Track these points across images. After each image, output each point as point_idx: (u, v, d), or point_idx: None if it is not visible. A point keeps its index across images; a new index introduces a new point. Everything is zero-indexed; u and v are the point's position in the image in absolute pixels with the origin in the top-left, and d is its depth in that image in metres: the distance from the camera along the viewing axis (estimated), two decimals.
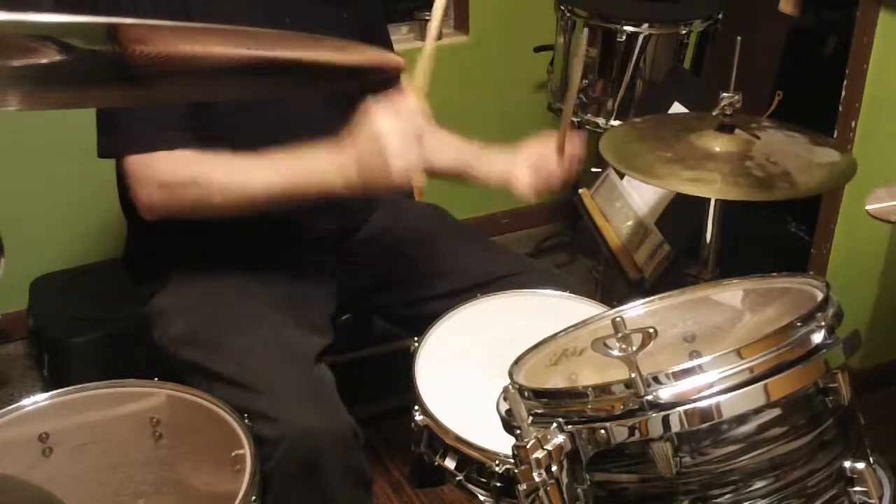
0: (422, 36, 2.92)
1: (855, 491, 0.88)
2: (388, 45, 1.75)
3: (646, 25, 2.32)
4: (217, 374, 1.43)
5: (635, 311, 1.13)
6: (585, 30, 2.33)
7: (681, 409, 0.83)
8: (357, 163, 1.37)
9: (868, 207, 1.28)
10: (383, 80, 1.41)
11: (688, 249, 1.86)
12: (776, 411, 0.86)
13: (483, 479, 1.25)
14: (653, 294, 1.13)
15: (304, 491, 1.37)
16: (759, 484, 0.86)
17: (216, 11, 1.44)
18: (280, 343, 1.46)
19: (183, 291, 1.56)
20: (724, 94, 1.45)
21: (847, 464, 0.89)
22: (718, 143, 1.45)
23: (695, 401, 0.83)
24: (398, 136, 1.35)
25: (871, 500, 0.88)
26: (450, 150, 1.69)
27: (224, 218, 1.43)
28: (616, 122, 2.39)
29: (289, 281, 1.59)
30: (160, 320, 1.55)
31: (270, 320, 1.49)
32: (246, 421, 1.29)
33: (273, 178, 1.41)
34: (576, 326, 1.11)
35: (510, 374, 1.01)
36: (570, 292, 1.58)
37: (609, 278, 2.41)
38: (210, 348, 1.47)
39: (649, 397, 0.84)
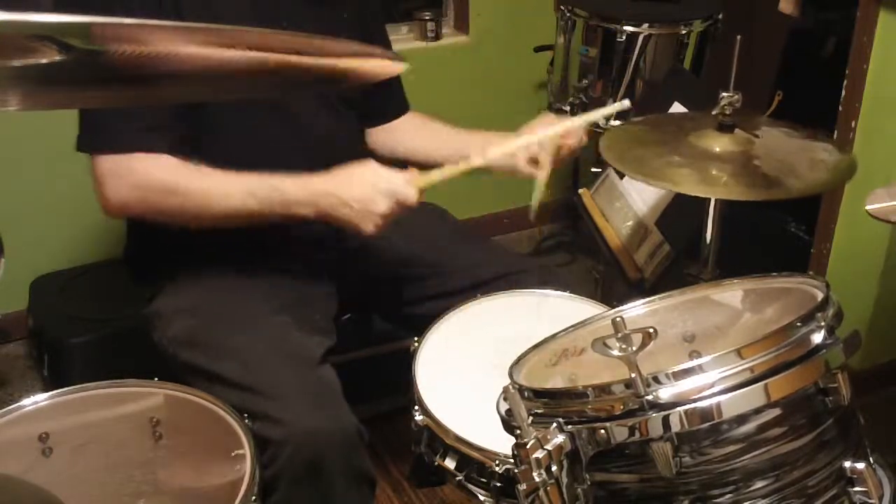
0: (422, 36, 2.91)
1: (855, 491, 0.88)
2: (385, 45, 1.75)
3: (646, 25, 2.32)
4: (219, 376, 1.43)
5: (635, 311, 1.13)
6: None
7: (681, 409, 0.83)
8: (335, 204, 1.40)
9: (868, 207, 1.28)
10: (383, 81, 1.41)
11: (688, 249, 1.85)
12: (776, 411, 0.86)
13: (483, 479, 1.26)
14: (653, 294, 1.13)
15: (309, 492, 1.36)
16: (759, 484, 0.86)
17: (210, 14, 1.44)
18: (282, 344, 1.46)
19: (182, 293, 1.55)
20: (724, 94, 1.45)
21: (847, 464, 0.89)
22: (719, 143, 1.45)
23: (695, 401, 0.83)
24: (384, 208, 1.39)
25: (871, 501, 0.88)
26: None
27: (205, 227, 1.45)
28: (616, 123, 2.38)
29: (289, 282, 1.58)
30: (159, 322, 1.55)
31: (272, 322, 1.49)
32: (246, 421, 1.29)
33: (249, 201, 1.42)
34: (576, 326, 1.11)
35: (510, 374, 1.01)
36: (570, 292, 1.58)
37: (609, 278, 2.41)
38: (210, 350, 1.46)
39: (649, 397, 0.84)
